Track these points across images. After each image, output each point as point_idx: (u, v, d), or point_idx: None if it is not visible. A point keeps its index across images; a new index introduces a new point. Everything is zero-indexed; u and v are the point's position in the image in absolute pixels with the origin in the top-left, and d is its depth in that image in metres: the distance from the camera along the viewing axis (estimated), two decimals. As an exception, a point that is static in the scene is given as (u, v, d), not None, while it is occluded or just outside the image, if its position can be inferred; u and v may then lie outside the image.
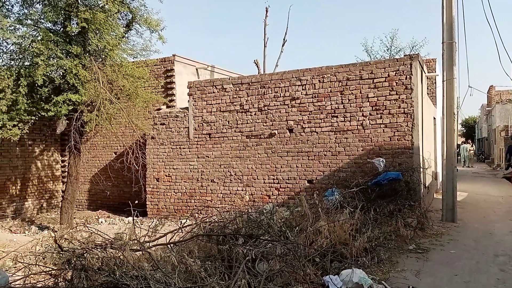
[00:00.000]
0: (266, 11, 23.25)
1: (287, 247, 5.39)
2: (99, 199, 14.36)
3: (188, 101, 11.48)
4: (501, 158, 25.97)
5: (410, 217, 7.82)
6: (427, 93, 12.73)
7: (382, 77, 9.26)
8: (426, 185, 10.38)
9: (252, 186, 10.63)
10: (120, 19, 10.32)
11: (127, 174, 11.76)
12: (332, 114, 9.73)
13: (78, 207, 13.94)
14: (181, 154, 11.57)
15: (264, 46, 23.27)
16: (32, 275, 4.78)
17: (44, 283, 4.64)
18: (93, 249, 4.91)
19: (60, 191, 14.50)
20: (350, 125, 9.56)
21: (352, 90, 9.54)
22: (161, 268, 4.47)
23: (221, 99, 10.97)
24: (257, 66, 21.91)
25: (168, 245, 5.60)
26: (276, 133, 10.31)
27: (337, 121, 9.69)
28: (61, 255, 4.95)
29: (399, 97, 9.10)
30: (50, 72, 9.56)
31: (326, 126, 9.80)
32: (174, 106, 12.78)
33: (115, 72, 9.99)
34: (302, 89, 10.03)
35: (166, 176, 11.79)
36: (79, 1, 9.38)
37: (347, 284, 4.86)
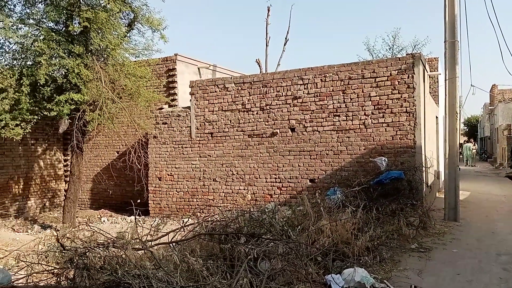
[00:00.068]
0: (268, 10, 23.25)
1: (289, 246, 5.39)
2: (102, 198, 14.39)
3: (190, 100, 11.48)
4: (504, 157, 25.90)
5: (413, 216, 7.81)
6: (429, 92, 12.70)
7: (384, 76, 9.25)
8: (429, 184, 10.36)
9: (254, 185, 10.63)
10: (122, 19, 10.34)
11: (129, 173, 11.77)
12: (334, 113, 9.72)
13: (80, 206, 13.97)
14: (183, 153, 11.58)
15: (266, 45, 23.28)
16: (34, 274, 4.80)
17: (47, 282, 4.66)
18: (95, 248, 4.92)
19: (63, 190, 14.54)
20: (352, 124, 9.54)
21: (354, 89, 9.52)
22: (163, 267, 4.48)
23: (223, 98, 10.97)
24: (259, 65, 21.90)
25: (170, 244, 5.61)
26: (278, 132, 10.30)
27: (339, 120, 9.68)
28: (63, 254, 4.96)
29: (401, 96, 9.08)
30: (52, 72, 9.59)
31: (328, 125, 9.79)
32: (176, 105, 12.79)
33: (117, 71, 10.01)
34: (304, 88, 10.02)
35: (168, 175, 11.81)
36: (81, 0, 9.39)
37: (349, 283, 4.86)
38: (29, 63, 9.74)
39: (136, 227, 5.90)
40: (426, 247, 6.86)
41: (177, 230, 6.13)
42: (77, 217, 11.38)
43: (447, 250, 6.82)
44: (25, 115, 9.53)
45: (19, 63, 9.78)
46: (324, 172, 9.84)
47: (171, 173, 11.76)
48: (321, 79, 9.84)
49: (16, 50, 9.80)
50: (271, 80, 10.40)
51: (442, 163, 12.70)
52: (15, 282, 4.75)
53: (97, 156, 14.50)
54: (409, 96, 9.00)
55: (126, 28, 10.38)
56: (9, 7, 9.80)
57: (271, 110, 10.38)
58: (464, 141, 35.10)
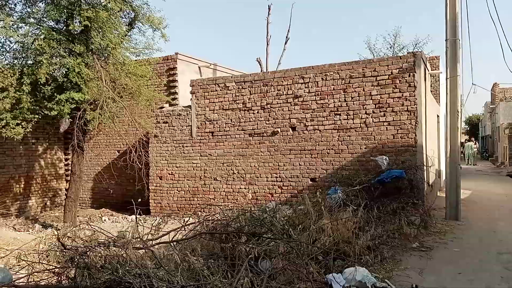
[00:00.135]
0: (269, 9, 23.23)
1: (290, 245, 5.38)
2: (102, 197, 14.40)
3: (191, 99, 11.47)
4: (505, 156, 25.86)
5: (414, 215, 7.79)
6: (431, 91, 12.68)
7: (385, 75, 9.23)
8: (430, 183, 10.34)
9: (255, 184, 10.63)
10: (122, 18, 10.35)
11: (130, 173, 11.77)
12: (335, 112, 9.71)
13: (81, 205, 13.98)
14: (184, 152, 11.58)
15: (267, 44, 23.25)
16: (35, 273, 4.80)
17: (48, 281, 4.65)
18: (96, 247, 4.92)
19: (64, 189, 14.55)
20: (353, 123, 9.53)
21: (355, 88, 9.51)
22: (164, 266, 4.48)
23: (224, 97, 10.96)
24: (260, 64, 21.88)
25: (171, 243, 5.61)
26: (279, 131, 10.29)
27: (340, 119, 9.67)
28: (64, 253, 4.96)
29: (402, 95, 9.07)
30: (53, 71, 9.60)
31: (329, 124, 9.78)
32: (176, 104, 12.78)
33: (117, 70, 10.01)
34: (305, 87, 10.01)
35: (169, 174, 11.81)
36: (81, -1, 9.39)
37: (350, 282, 4.85)
38: (29, 62, 9.75)
39: (137, 226, 5.89)
40: (427, 246, 6.85)
41: (178, 229, 6.12)
42: (78, 216, 11.39)
43: (448, 249, 6.80)
44: (25, 114, 9.54)
45: (20, 62, 9.79)
46: (325, 171, 9.83)
47: (172, 172, 11.76)
48: (322, 78, 9.83)
49: (16, 49, 9.81)
50: (272, 79, 10.39)
51: (443, 162, 12.68)
52: (16, 281, 4.75)
53: (98, 155, 14.51)
54: (410, 94, 8.98)
55: (126, 27, 10.39)
56: (10, 6, 9.82)
57: (272, 109, 10.37)
58: (465, 140, 35.05)
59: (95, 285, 4.19)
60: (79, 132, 9.97)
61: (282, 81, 10.25)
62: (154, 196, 11.99)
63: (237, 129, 10.80)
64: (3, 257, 6.26)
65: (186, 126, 11.53)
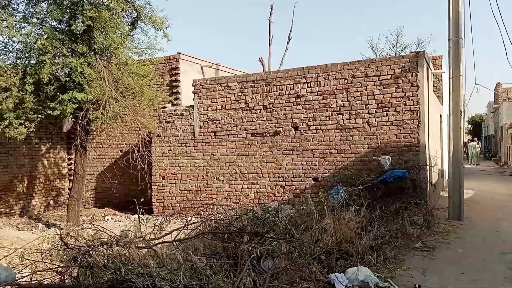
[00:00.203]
0: (271, 9, 23.22)
1: (292, 245, 5.38)
2: (105, 196, 14.43)
3: (193, 99, 11.49)
4: (509, 155, 25.77)
5: (416, 215, 7.77)
6: (433, 91, 12.65)
7: (387, 75, 9.21)
8: (433, 183, 10.32)
9: (258, 184, 10.63)
10: (125, 17, 10.35)
11: (133, 172, 11.79)
12: (338, 112, 9.70)
13: (84, 204, 14.00)
14: (186, 152, 11.59)
15: (269, 43, 23.24)
16: (38, 272, 4.81)
17: (50, 280, 4.66)
18: (99, 247, 4.93)
19: (67, 189, 14.57)
20: (356, 123, 9.52)
21: (357, 87, 9.49)
22: (166, 266, 4.48)
23: (226, 97, 10.96)
24: (262, 64, 21.88)
25: (174, 243, 5.61)
26: (281, 131, 10.29)
27: (342, 119, 9.65)
28: (67, 252, 4.97)
29: (405, 95, 9.05)
30: (55, 71, 9.60)
31: (331, 124, 9.77)
32: (179, 104, 12.79)
33: (120, 70, 10.02)
34: (307, 87, 10.00)
35: (171, 174, 11.82)
36: (84, -1, 9.41)
37: (352, 282, 4.85)
38: (32, 62, 9.77)
39: (140, 225, 5.89)
40: (430, 246, 6.83)
41: (181, 229, 6.12)
42: (81, 215, 11.41)
43: (451, 249, 6.79)
44: (28, 114, 9.57)
45: (23, 62, 9.81)
46: (327, 171, 9.82)
47: (174, 172, 11.77)
48: (324, 78, 9.82)
49: (19, 49, 9.82)
50: (274, 79, 10.39)
51: (446, 162, 12.65)
52: (19, 280, 4.76)
53: (100, 155, 14.54)
54: (413, 94, 8.96)
55: (129, 27, 10.39)
56: (13, 6, 9.84)
57: (274, 108, 10.37)
58: (468, 140, 34.96)
59: (97, 284, 4.20)
60: (82, 131, 9.99)
61: (285, 81, 10.24)
62: (157, 195, 12.01)
63: (240, 129, 10.80)
64: (7, 256, 6.27)
65: (189, 125, 11.54)
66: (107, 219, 11.98)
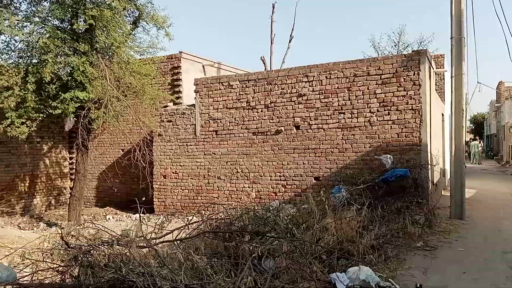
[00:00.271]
0: (273, 8, 23.19)
1: (293, 244, 5.37)
2: (107, 196, 14.45)
3: (195, 98, 11.48)
4: (510, 155, 25.71)
5: (418, 214, 7.76)
6: (435, 89, 12.62)
7: (389, 73, 9.19)
8: (434, 182, 10.29)
9: (259, 183, 10.62)
10: (127, 16, 10.36)
11: (134, 171, 11.80)
12: (339, 111, 9.69)
13: (86, 204, 14.03)
14: (187, 151, 11.59)
15: (271, 42, 23.23)
16: (39, 272, 4.81)
17: (52, 280, 4.67)
18: (100, 246, 4.94)
19: (68, 188, 14.60)
20: (357, 122, 9.50)
21: (359, 86, 9.48)
22: (167, 265, 4.48)
23: (228, 96, 10.96)
24: (264, 63, 21.87)
25: (175, 242, 5.61)
26: (283, 130, 10.28)
27: (344, 118, 9.64)
28: (68, 251, 4.98)
29: (407, 93, 9.03)
30: (57, 70, 9.61)
31: (333, 123, 9.76)
32: (180, 103, 12.79)
33: (122, 69, 10.03)
34: (309, 86, 9.99)
35: (173, 173, 11.83)
36: (86, -2, 9.41)
37: (354, 281, 4.84)
38: (34, 61, 9.78)
39: (141, 225, 5.90)
40: (431, 245, 6.82)
41: (182, 228, 6.13)
42: (82, 215, 11.43)
43: (452, 248, 6.77)
44: (30, 113, 9.57)
45: (25, 61, 9.81)
46: (329, 170, 9.81)
47: (175, 171, 11.78)
48: (326, 77, 9.81)
49: (21, 48, 9.83)
50: (275, 78, 10.38)
51: (448, 161, 12.62)
52: (20, 279, 4.77)
53: (102, 154, 14.55)
54: (415, 93, 8.94)
55: (131, 26, 10.40)
56: (15, 5, 9.84)
57: (275, 107, 10.36)
58: (470, 139, 34.89)
59: (98, 283, 4.20)
60: (83, 131, 10.00)
61: (286, 80, 10.23)
62: (158, 194, 12.02)
63: (241, 128, 10.79)
64: (8, 255, 6.29)
65: (190, 124, 11.54)
66: (109, 218, 11.99)
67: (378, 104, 9.30)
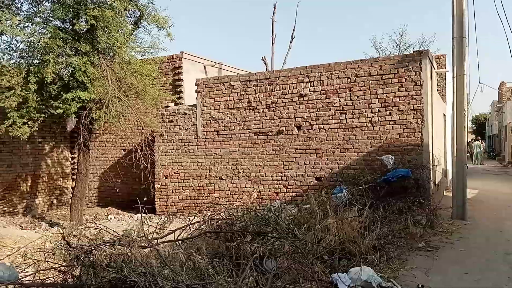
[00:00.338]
0: (274, 8, 23.15)
1: (295, 244, 5.37)
2: (108, 196, 14.46)
3: (196, 98, 11.48)
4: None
5: (420, 215, 7.75)
6: (437, 90, 12.60)
7: (391, 74, 9.18)
8: (436, 183, 10.28)
9: (260, 183, 10.62)
10: (128, 17, 10.39)
11: (135, 171, 11.80)
12: (341, 111, 9.68)
13: (87, 204, 14.04)
14: (189, 151, 11.59)
15: (272, 43, 23.16)
16: (41, 271, 4.81)
17: (53, 279, 4.67)
18: (102, 246, 4.94)
19: (70, 188, 14.62)
20: (359, 122, 9.49)
21: (360, 86, 9.47)
22: (169, 265, 4.48)
23: (229, 96, 10.96)
24: (265, 63, 21.82)
25: (176, 242, 5.61)
26: (284, 130, 10.28)
27: (345, 118, 9.63)
28: (69, 251, 4.98)
29: (408, 94, 9.02)
30: (59, 70, 9.63)
31: (334, 123, 9.75)
32: (182, 103, 12.80)
33: (123, 69, 10.04)
34: (310, 86, 9.98)
35: (174, 173, 11.83)
36: (87, -2, 9.42)
37: (355, 282, 4.83)
38: (36, 61, 9.80)
39: (142, 225, 5.90)
40: (433, 246, 6.81)
41: (183, 228, 6.13)
42: (84, 214, 11.44)
43: (454, 249, 6.76)
44: (32, 113, 9.59)
45: (26, 61, 9.83)
46: (330, 170, 9.80)
47: (177, 171, 11.78)
48: (327, 77, 9.80)
49: (23, 48, 9.85)
50: (277, 78, 10.37)
51: (449, 161, 12.60)
52: (22, 279, 4.77)
53: (104, 154, 14.57)
54: (416, 93, 8.93)
55: (132, 26, 10.42)
56: (16, 5, 9.87)
57: (277, 108, 10.35)
58: (472, 139, 34.81)
59: (100, 283, 4.20)
60: (85, 131, 10.01)
61: (288, 80, 10.23)
62: (160, 194, 12.02)
63: (242, 128, 10.79)
64: (10, 255, 6.30)
65: (192, 125, 11.55)
66: (110, 218, 12.01)
67: (380, 104, 9.29)
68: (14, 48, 9.78)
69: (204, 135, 11.34)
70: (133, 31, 10.42)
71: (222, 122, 11.07)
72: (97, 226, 5.99)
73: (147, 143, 11.43)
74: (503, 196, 12.56)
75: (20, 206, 13.20)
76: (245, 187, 10.81)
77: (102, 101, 9.78)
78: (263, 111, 10.53)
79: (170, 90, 13.11)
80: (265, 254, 5.10)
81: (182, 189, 11.70)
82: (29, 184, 13.55)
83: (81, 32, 9.59)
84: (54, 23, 9.75)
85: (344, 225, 6.28)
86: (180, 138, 11.74)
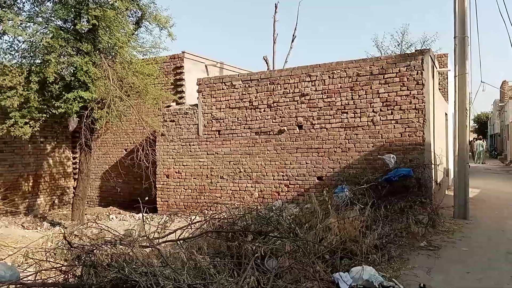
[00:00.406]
0: (276, 7, 23.16)
1: (296, 244, 5.36)
2: (110, 195, 14.48)
3: (198, 98, 11.49)
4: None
5: (421, 214, 7.73)
6: (439, 89, 12.58)
7: (393, 73, 9.16)
8: (438, 182, 10.26)
9: (262, 183, 10.62)
10: (129, 16, 10.39)
11: (137, 171, 11.82)
12: (342, 110, 9.67)
13: (89, 203, 14.06)
14: (190, 151, 11.60)
15: (274, 42, 23.18)
16: (42, 271, 4.82)
17: (55, 279, 4.67)
18: (103, 246, 4.93)
19: (72, 187, 14.64)
20: (361, 121, 9.48)
21: (362, 86, 9.45)
22: (170, 265, 4.48)
23: (230, 96, 10.95)
24: (267, 63, 21.85)
25: (178, 242, 5.61)
26: (286, 130, 10.27)
27: (347, 117, 9.62)
28: (71, 251, 4.98)
29: (410, 93, 9.00)
30: (60, 70, 9.64)
31: (336, 123, 9.74)
32: (183, 103, 12.80)
33: (125, 69, 10.04)
34: (312, 85, 9.97)
35: (176, 172, 11.84)
36: (89, -2, 9.43)
37: (357, 281, 4.83)
38: (37, 61, 9.81)
39: (144, 224, 5.90)
40: (435, 245, 6.80)
41: (185, 228, 6.13)
42: (85, 214, 11.45)
43: (456, 248, 6.75)
44: (34, 113, 9.60)
45: (28, 61, 9.84)
46: (331, 170, 9.79)
47: (178, 171, 11.79)
48: (329, 76, 9.79)
49: (25, 48, 9.86)
50: (278, 77, 10.37)
51: (451, 161, 12.57)
52: (24, 279, 4.78)
53: (105, 154, 14.58)
54: (418, 92, 8.91)
55: (133, 26, 10.42)
56: (18, 5, 9.88)
57: (278, 107, 10.35)
58: (474, 138, 34.75)
59: (101, 283, 4.20)
60: (86, 130, 10.02)
61: (289, 80, 10.22)
62: (161, 194, 12.03)
63: (244, 128, 10.79)
64: (12, 254, 6.31)
65: (193, 124, 11.55)
66: (112, 218, 12.02)
67: (381, 103, 9.27)
68: (16, 48, 9.80)
69: (205, 134, 11.35)
70: (135, 30, 10.42)
71: (223, 121, 11.06)
72: (99, 225, 5.99)
73: (149, 143, 11.44)
74: (505, 195, 12.53)
75: (22, 205, 13.23)
76: (247, 186, 10.81)
77: (103, 101, 9.79)
78: (264, 111, 10.52)
79: (172, 90, 13.12)
80: (267, 254, 5.09)
81: (184, 188, 11.71)
82: (31, 184, 13.57)
83: (83, 32, 9.60)
84: (56, 23, 9.76)
85: (345, 224, 6.28)
86: (181, 138, 11.74)
